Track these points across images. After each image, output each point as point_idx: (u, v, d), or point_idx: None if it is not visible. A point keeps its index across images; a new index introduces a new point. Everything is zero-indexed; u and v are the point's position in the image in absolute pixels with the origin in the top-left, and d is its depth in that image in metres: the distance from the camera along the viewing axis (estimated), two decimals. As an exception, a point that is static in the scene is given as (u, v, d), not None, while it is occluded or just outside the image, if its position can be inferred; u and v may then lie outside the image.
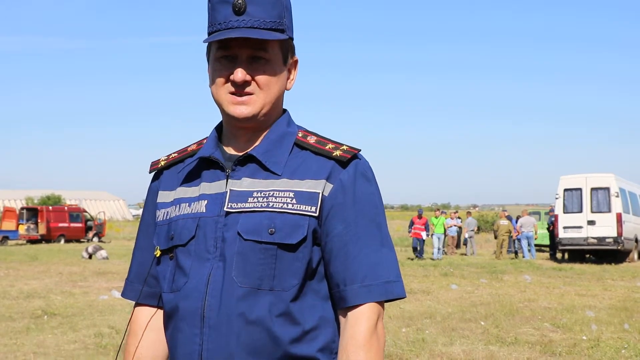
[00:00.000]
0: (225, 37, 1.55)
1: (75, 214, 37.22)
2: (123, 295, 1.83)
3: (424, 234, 23.53)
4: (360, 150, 1.66)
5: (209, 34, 1.62)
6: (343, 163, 1.62)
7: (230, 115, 1.63)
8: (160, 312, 1.73)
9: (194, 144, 1.80)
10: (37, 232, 35.16)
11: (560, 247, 22.34)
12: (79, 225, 36.82)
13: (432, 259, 22.75)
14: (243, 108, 1.60)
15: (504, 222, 24.49)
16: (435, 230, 24.31)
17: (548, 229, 25.57)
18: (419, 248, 23.47)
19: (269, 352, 1.53)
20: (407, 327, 9.02)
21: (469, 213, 28.95)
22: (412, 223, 23.87)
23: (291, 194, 1.58)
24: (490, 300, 11.76)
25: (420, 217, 23.75)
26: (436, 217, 24.79)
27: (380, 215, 1.64)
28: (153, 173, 1.81)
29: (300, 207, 1.57)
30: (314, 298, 1.60)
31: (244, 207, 1.58)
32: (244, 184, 1.61)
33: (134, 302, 1.81)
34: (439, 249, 23.87)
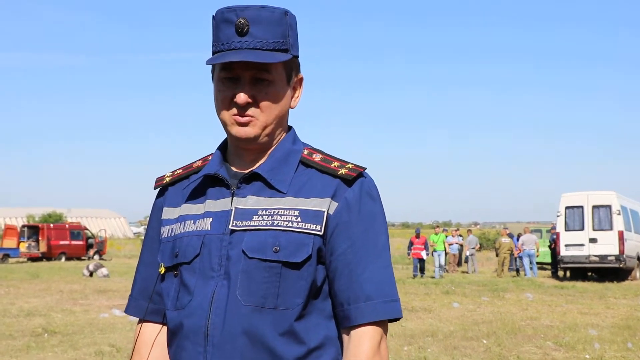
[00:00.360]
0: (227, 60, 1.55)
1: (76, 231, 37.16)
2: (127, 311, 1.82)
3: (423, 254, 23.22)
4: (365, 168, 1.66)
5: (213, 52, 1.62)
6: (348, 181, 1.62)
7: (233, 136, 1.63)
8: (165, 329, 1.72)
9: (199, 160, 1.79)
10: (38, 249, 35.07)
11: (562, 265, 22.27)
12: (80, 243, 36.74)
13: (433, 278, 22.53)
14: (246, 129, 1.60)
15: (506, 239, 24.44)
16: (436, 248, 23.90)
17: (550, 246, 25.51)
18: (419, 267, 23.18)
19: None
20: (409, 346, 8.98)
21: (469, 231, 28.91)
22: (411, 244, 23.60)
23: (296, 212, 1.58)
24: (492, 319, 11.71)
25: (418, 236, 23.48)
26: (436, 234, 24.46)
27: (384, 234, 1.64)
28: (158, 189, 1.81)
29: (305, 225, 1.57)
30: (318, 317, 1.59)
31: (249, 225, 1.58)
32: (249, 202, 1.61)
33: (136, 319, 1.80)
34: (440, 267, 23.54)
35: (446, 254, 25.14)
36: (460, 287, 18.16)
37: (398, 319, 1.61)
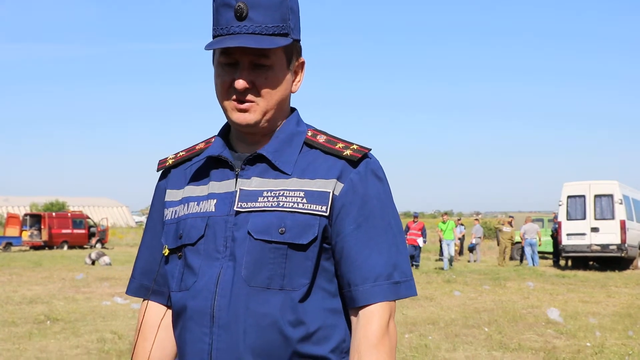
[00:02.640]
0: (224, 45, 1.54)
1: (79, 220, 37.23)
2: (128, 292, 1.82)
3: (420, 240, 21.09)
4: (370, 149, 1.65)
5: (213, 37, 1.61)
6: (354, 162, 1.61)
7: (234, 122, 1.62)
8: (169, 311, 1.72)
9: (201, 142, 1.79)
10: (41, 238, 35.16)
11: (563, 254, 22.30)
12: (82, 231, 36.81)
13: (443, 269, 20.66)
14: (245, 115, 1.60)
15: (507, 229, 24.44)
16: (444, 236, 22.31)
17: (551, 236, 25.53)
18: (415, 256, 20.90)
19: (279, 352, 1.53)
20: (410, 333, 9.01)
21: (477, 220, 28.86)
22: (407, 228, 20.99)
23: (301, 194, 1.57)
24: (494, 307, 11.74)
25: (415, 220, 21.53)
26: (444, 222, 22.81)
27: (392, 214, 1.64)
28: (160, 172, 1.81)
29: (310, 206, 1.56)
30: (324, 297, 1.59)
31: (254, 207, 1.58)
32: (253, 183, 1.61)
33: (137, 307, 1.80)
34: (450, 259, 21.75)
35: (455, 243, 23.62)
36: (462, 276, 18.19)
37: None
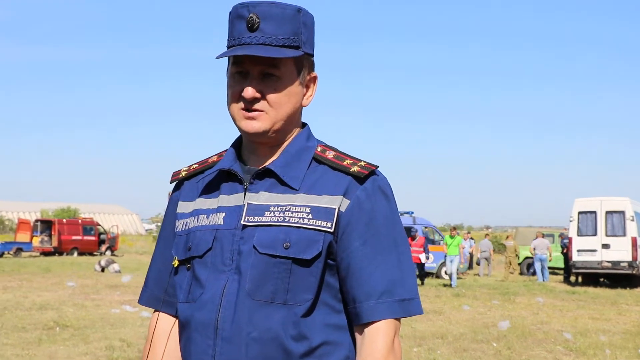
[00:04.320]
0: (234, 54, 1.57)
1: (89, 227, 37.39)
2: (140, 302, 1.84)
3: (422, 257, 20.74)
4: (378, 166, 1.66)
5: (227, 47, 1.64)
6: (360, 179, 1.62)
7: (242, 130, 1.65)
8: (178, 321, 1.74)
9: (214, 155, 1.81)
10: (51, 244, 35.32)
11: (574, 270, 22.18)
12: (92, 238, 36.96)
13: (451, 286, 19.77)
14: (253, 123, 1.61)
15: (509, 243, 24.38)
16: (448, 252, 21.17)
17: (562, 251, 25.42)
18: (418, 273, 20.31)
19: None
20: (419, 347, 8.98)
21: (487, 235, 28.69)
22: None
23: (307, 209, 1.59)
24: (503, 322, 11.67)
25: (414, 238, 20.74)
26: (452, 237, 21.49)
27: (398, 231, 1.64)
28: (174, 183, 1.83)
29: (316, 222, 1.57)
30: (328, 313, 1.60)
31: (261, 221, 1.59)
32: (261, 197, 1.62)
33: (147, 315, 1.82)
34: (454, 274, 20.46)
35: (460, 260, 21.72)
36: (471, 290, 18.12)
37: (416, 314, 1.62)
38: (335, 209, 1.59)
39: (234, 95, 1.63)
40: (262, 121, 1.61)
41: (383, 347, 1.54)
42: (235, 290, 1.56)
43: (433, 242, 24.94)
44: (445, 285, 19.84)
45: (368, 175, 1.63)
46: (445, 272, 20.07)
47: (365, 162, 1.66)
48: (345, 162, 1.65)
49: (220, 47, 1.70)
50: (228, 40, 1.64)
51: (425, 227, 25.49)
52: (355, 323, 1.60)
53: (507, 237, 25.34)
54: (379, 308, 1.56)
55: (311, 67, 1.70)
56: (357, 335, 1.60)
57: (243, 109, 1.62)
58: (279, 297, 1.55)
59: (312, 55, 1.70)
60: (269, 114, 1.61)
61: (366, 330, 1.57)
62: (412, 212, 25.94)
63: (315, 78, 1.72)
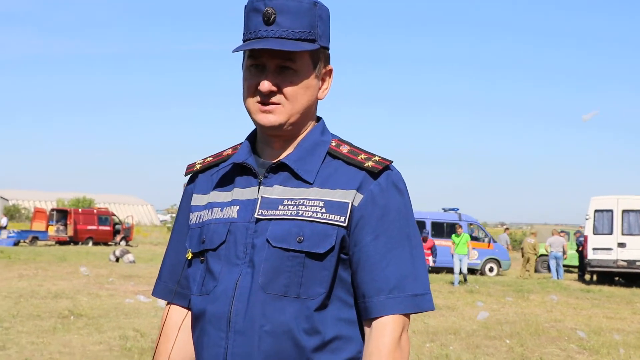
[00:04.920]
0: (250, 47, 1.57)
1: (104, 217, 37.61)
2: (154, 294, 1.85)
3: (430, 260, 20.06)
4: (392, 162, 1.66)
5: (243, 41, 1.64)
6: (374, 174, 1.62)
7: (258, 124, 1.65)
8: (190, 313, 1.74)
9: (229, 148, 1.81)
10: (66, 233, 35.58)
11: (589, 269, 22.05)
12: (107, 228, 37.18)
13: (452, 284, 18.88)
14: (269, 116, 1.62)
15: (531, 239, 24.15)
16: (456, 251, 19.49)
17: (577, 249, 25.27)
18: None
19: (292, 359, 1.54)
20: (431, 342, 8.97)
21: (507, 229, 28.35)
22: None
23: (321, 203, 1.59)
24: (516, 319, 11.64)
25: (424, 240, 19.91)
26: (458, 235, 19.85)
27: (411, 227, 1.64)
28: (189, 176, 1.84)
29: (329, 216, 1.58)
30: (340, 308, 1.60)
31: (274, 215, 1.59)
32: (275, 191, 1.63)
33: (161, 305, 1.83)
34: (463, 276, 19.30)
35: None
36: (485, 287, 18.06)
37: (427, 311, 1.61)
38: (348, 203, 1.59)
39: (250, 89, 1.63)
40: (278, 114, 1.61)
41: (390, 342, 1.54)
42: (248, 284, 1.57)
43: (477, 239, 25.01)
44: (455, 283, 18.80)
45: (382, 170, 1.63)
46: (461, 272, 19.07)
47: (380, 157, 1.66)
48: (359, 157, 1.65)
49: (236, 39, 1.70)
50: (244, 33, 1.63)
51: (471, 224, 25.55)
52: (364, 317, 1.60)
53: (532, 233, 24.93)
54: (389, 303, 1.56)
55: (327, 60, 1.71)
56: (365, 329, 1.60)
57: (259, 102, 1.62)
58: (292, 290, 1.55)
59: (328, 49, 1.70)
60: (285, 107, 1.61)
61: (374, 324, 1.57)
62: (458, 209, 25.98)
63: (330, 71, 1.72)
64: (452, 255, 19.64)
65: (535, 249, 23.96)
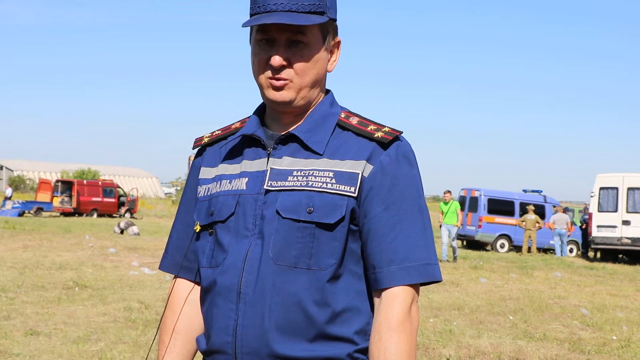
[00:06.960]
0: (261, 22, 1.55)
1: (109, 189, 37.70)
2: (161, 268, 1.84)
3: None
4: (402, 132, 1.65)
5: (250, 15, 1.62)
6: (384, 145, 1.61)
7: (269, 100, 1.63)
8: (196, 287, 1.74)
9: (237, 122, 1.80)
10: (71, 205, 35.69)
11: (592, 246, 22.08)
12: (112, 200, 37.29)
13: (455, 260, 17.84)
14: (281, 93, 1.60)
15: (531, 216, 24.02)
16: (444, 220, 17.92)
17: (581, 227, 25.27)
18: None
19: (303, 331, 1.54)
20: (435, 318, 8.99)
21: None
22: None
23: (331, 174, 1.58)
24: (520, 295, 11.66)
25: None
26: (446, 203, 18.14)
27: (420, 198, 1.64)
28: (197, 149, 1.83)
29: (339, 187, 1.57)
30: (350, 279, 1.59)
31: (284, 186, 1.58)
32: (284, 162, 1.61)
33: (166, 278, 1.82)
34: (453, 249, 18.00)
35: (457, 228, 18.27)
36: (489, 263, 18.09)
37: (435, 282, 1.60)
38: (358, 173, 1.58)
39: (261, 63, 1.61)
40: (288, 91, 1.60)
41: (400, 312, 1.53)
42: (258, 255, 1.56)
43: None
44: (443, 256, 17.48)
45: (392, 140, 1.61)
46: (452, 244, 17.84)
47: (390, 127, 1.64)
48: (369, 128, 1.63)
49: (244, 10, 1.66)
50: (251, 7, 1.61)
51: (554, 207, 25.46)
52: (374, 288, 1.59)
53: (532, 210, 24.87)
54: (399, 274, 1.56)
55: (335, 32, 1.69)
56: (375, 300, 1.60)
57: (270, 78, 1.60)
58: (303, 262, 1.54)
59: (336, 20, 1.68)
60: (294, 82, 1.60)
61: (384, 295, 1.56)
62: (541, 191, 25.91)
63: (339, 43, 1.71)
64: (440, 226, 18.07)
65: (539, 224, 23.83)
